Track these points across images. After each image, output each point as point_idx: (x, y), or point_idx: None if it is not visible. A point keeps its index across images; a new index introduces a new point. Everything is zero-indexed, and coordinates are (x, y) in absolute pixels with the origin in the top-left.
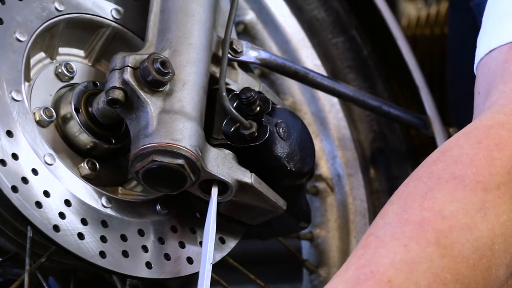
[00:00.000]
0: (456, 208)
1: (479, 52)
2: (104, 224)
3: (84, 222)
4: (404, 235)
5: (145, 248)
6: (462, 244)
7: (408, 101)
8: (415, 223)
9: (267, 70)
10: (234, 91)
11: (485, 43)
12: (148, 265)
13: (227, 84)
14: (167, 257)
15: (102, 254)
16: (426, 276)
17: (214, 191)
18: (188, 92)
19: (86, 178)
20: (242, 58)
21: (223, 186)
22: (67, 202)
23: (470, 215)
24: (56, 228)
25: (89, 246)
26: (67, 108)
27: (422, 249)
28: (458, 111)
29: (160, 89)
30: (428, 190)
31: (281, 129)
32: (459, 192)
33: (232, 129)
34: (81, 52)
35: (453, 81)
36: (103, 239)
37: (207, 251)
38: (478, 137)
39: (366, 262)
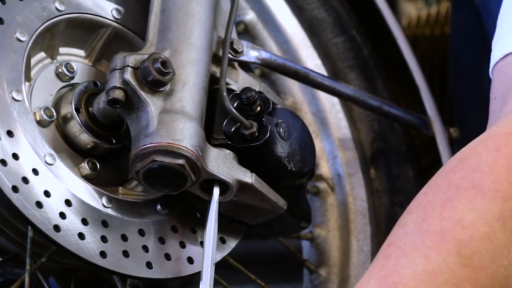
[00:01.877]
0: (476, 218)
1: (494, 56)
2: (104, 224)
3: (84, 222)
4: (424, 245)
5: (145, 248)
6: (482, 254)
7: (408, 101)
8: (435, 233)
9: (267, 70)
10: (235, 91)
11: (500, 47)
12: (149, 265)
13: (227, 84)
14: (167, 257)
15: (103, 254)
16: (447, 286)
17: (216, 191)
18: (188, 92)
19: (86, 178)
20: (243, 58)
21: (224, 186)
22: (68, 202)
23: (490, 224)
24: (56, 228)
25: (89, 246)
26: (68, 108)
27: (443, 260)
28: (460, 110)
29: (161, 89)
30: (447, 199)
31: (281, 129)
32: (478, 201)
33: (233, 129)
34: (81, 52)
35: (455, 80)
36: (103, 239)
37: (210, 251)
38: (496, 144)
39: (388, 272)
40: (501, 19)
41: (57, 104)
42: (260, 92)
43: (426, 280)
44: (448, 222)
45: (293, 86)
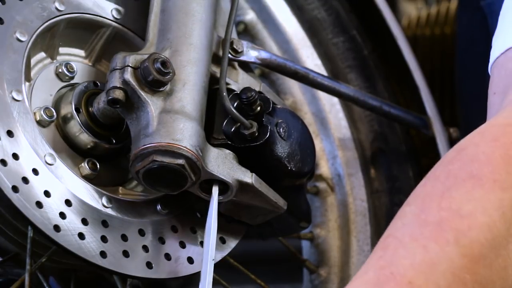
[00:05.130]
0: (475, 207)
1: (495, 51)
2: (104, 224)
3: (84, 222)
4: (423, 235)
5: (145, 248)
6: (481, 244)
7: (408, 101)
8: (433, 223)
9: (267, 70)
10: (235, 91)
11: (501, 42)
12: (149, 265)
13: (227, 84)
14: (167, 257)
15: (103, 254)
16: (446, 276)
17: (215, 190)
18: (188, 92)
19: (86, 178)
20: (243, 58)
21: (224, 186)
22: (68, 202)
23: (489, 213)
24: (56, 228)
25: (89, 246)
26: (68, 108)
27: (441, 249)
28: (466, 110)
29: (161, 89)
30: (445, 189)
31: (281, 129)
32: (477, 191)
33: (233, 129)
34: (81, 52)
35: (460, 80)
36: (103, 239)
37: (209, 250)
38: (494, 135)
39: (385, 263)
40: (502, 15)
41: (57, 104)
42: (260, 92)
43: (425, 270)
44: (446, 212)
45: (293, 86)
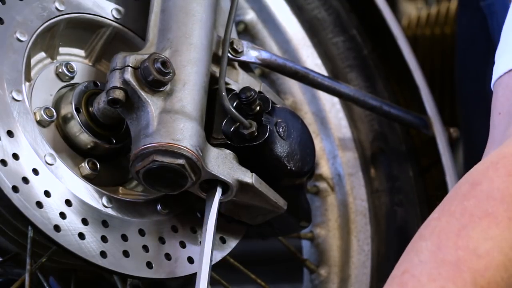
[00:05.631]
0: (491, 246)
1: (498, 69)
2: (104, 224)
3: (84, 222)
4: (441, 276)
5: (145, 248)
6: (497, 283)
7: (408, 101)
8: (451, 263)
9: (267, 70)
10: (234, 90)
11: (504, 60)
12: (149, 265)
13: (227, 84)
14: (167, 257)
15: (103, 254)
16: None
17: (218, 191)
18: (188, 92)
19: (86, 178)
20: (243, 58)
21: (224, 186)
22: (68, 202)
23: (505, 252)
24: (57, 228)
25: (90, 246)
26: (68, 108)
27: None
28: (466, 110)
29: (161, 89)
30: (461, 227)
31: (281, 129)
32: (493, 230)
33: (232, 128)
34: (81, 52)
35: (460, 80)
36: (103, 239)
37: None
38: (507, 168)
39: None
40: (505, 31)
41: (57, 104)
42: (259, 92)
43: None
44: (464, 251)
45: (293, 86)
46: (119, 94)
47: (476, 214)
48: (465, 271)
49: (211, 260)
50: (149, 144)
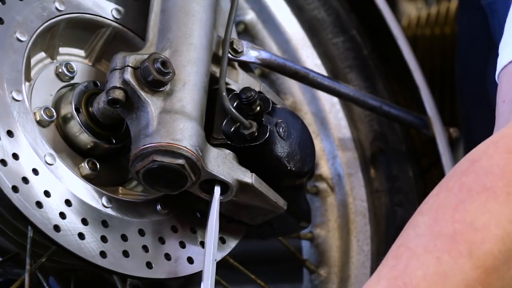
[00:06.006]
0: (488, 220)
1: (502, 59)
2: (104, 224)
3: (84, 222)
4: (436, 247)
5: (145, 248)
6: (495, 256)
7: (408, 101)
8: (447, 235)
9: (267, 70)
10: (234, 91)
11: (508, 51)
12: (149, 265)
13: (227, 84)
14: (167, 257)
15: (103, 254)
16: None
17: (217, 190)
18: (188, 92)
19: (86, 178)
20: (243, 58)
21: (224, 186)
22: (68, 202)
23: (502, 226)
24: (56, 228)
25: (89, 246)
26: (68, 108)
27: (454, 261)
28: (465, 110)
29: (161, 89)
30: (459, 202)
31: (281, 129)
32: (491, 204)
33: (232, 129)
34: (81, 52)
35: (460, 79)
36: (103, 239)
37: (211, 251)
38: (507, 146)
39: (398, 273)
40: (509, 23)
41: (57, 104)
42: (259, 92)
43: (437, 282)
44: (460, 224)
45: (293, 86)
46: (119, 94)
47: (474, 189)
48: (461, 243)
49: (215, 259)
50: (149, 144)
